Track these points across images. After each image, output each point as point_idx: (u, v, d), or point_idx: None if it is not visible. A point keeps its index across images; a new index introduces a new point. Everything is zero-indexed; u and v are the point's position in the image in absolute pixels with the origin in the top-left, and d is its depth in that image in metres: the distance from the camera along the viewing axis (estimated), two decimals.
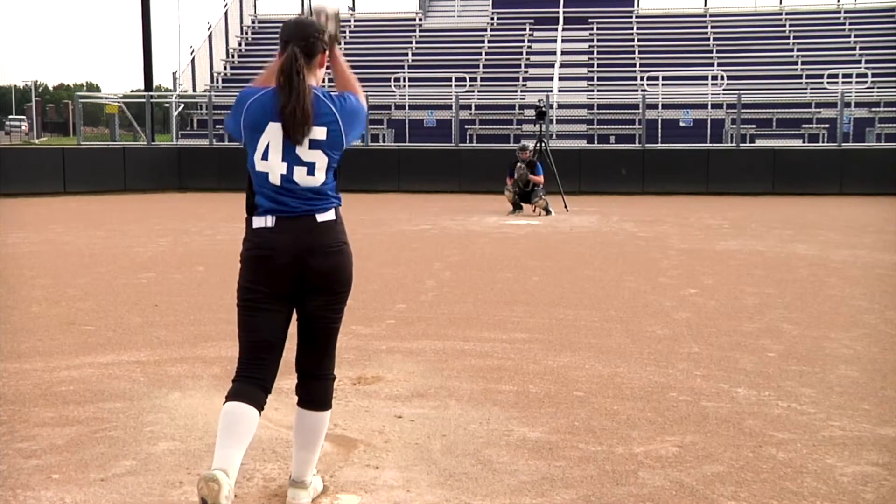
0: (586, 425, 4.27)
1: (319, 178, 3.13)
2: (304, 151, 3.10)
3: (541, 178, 15.43)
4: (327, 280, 3.16)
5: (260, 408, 3.14)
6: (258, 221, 3.14)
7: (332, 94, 3.20)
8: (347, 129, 3.17)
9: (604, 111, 24.36)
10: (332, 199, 3.18)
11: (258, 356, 3.18)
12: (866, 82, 23.64)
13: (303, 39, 3.12)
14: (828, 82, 23.73)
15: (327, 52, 3.23)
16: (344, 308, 3.28)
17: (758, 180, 19.94)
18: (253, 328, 3.18)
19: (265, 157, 3.11)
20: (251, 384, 3.15)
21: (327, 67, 3.34)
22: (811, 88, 24.11)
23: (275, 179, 3.10)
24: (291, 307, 3.21)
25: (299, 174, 3.11)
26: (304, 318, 3.24)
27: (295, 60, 3.07)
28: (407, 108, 24.68)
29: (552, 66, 26.14)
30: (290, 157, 3.10)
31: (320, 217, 3.13)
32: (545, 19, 29.02)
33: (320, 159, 3.12)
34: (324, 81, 3.43)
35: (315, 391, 3.33)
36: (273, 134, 3.10)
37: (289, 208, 3.11)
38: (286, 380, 4.91)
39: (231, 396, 3.13)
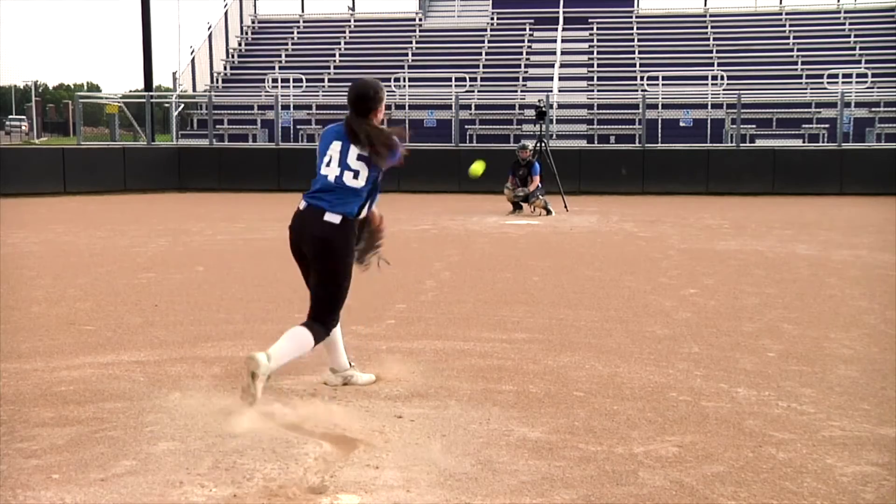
0: (586, 425, 4.27)
1: (361, 181, 4.48)
2: (353, 161, 4.47)
3: (536, 179, 15.45)
4: (320, 255, 4.48)
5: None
6: (300, 205, 4.56)
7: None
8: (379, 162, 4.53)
9: (604, 111, 24.36)
10: (347, 208, 4.46)
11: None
12: (866, 82, 23.63)
13: (355, 105, 4.55)
14: (828, 82, 23.73)
15: (380, 113, 4.60)
16: (335, 279, 4.49)
17: (758, 180, 19.95)
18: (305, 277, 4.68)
19: (329, 164, 4.50)
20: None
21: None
22: (811, 88, 24.10)
23: (332, 178, 4.47)
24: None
25: (348, 177, 4.46)
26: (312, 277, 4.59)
27: (351, 120, 4.53)
28: (407, 108, 24.67)
29: (552, 66, 26.14)
30: (344, 164, 4.48)
31: (327, 217, 4.43)
32: (545, 19, 29.01)
33: (363, 169, 4.48)
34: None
35: (308, 322, 4.52)
36: (335, 150, 4.52)
37: (315, 202, 4.47)
38: (287, 379, 4.92)
39: None
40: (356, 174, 4.45)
